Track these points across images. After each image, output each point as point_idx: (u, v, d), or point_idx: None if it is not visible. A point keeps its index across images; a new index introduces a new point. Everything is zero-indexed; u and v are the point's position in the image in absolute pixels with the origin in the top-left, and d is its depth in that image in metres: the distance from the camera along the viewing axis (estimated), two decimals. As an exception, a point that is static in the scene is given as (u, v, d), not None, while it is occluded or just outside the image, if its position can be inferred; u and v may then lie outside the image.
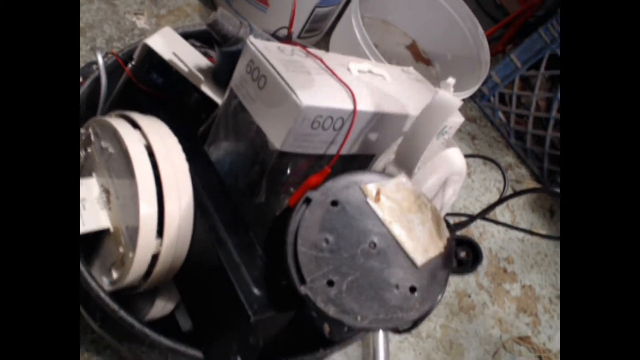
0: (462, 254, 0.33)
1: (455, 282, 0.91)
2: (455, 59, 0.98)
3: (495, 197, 1.03)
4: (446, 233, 0.33)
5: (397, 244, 0.32)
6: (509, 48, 1.04)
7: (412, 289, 0.31)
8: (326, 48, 0.95)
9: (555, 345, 0.95)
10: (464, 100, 0.86)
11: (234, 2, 0.84)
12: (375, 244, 0.32)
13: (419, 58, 1.02)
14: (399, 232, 0.32)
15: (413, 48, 1.02)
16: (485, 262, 0.95)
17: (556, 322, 0.98)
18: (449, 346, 0.86)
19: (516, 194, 0.39)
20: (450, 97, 0.35)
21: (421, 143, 0.35)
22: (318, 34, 0.91)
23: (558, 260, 1.03)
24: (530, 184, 1.05)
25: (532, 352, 0.93)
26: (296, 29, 0.84)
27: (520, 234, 1.01)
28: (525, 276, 0.98)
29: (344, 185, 0.34)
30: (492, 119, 1.05)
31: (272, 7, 0.81)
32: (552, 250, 1.04)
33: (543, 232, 1.03)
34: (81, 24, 0.87)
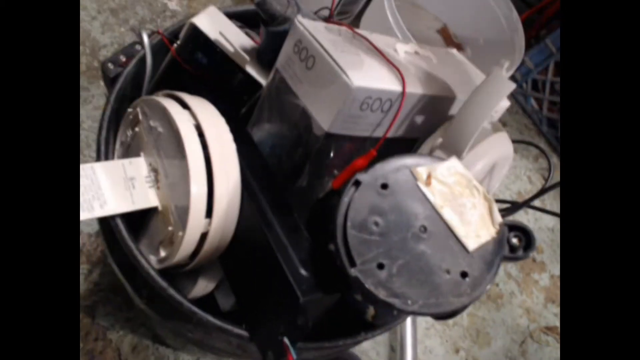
0: (514, 240, 0.32)
1: (483, 270, 0.91)
2: (487, 43, 0.96)
3: (525, 186, 1.01)
4: (498, 218, 0.32)
5: (449, 228, 0.32)
6: (543, 33, 1.01)
7: (464, 274, 0.31)
8: (356, 31, 0.94)
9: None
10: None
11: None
12: (425, 228, 0.32)
13: (450, 42, 1.00)
14: (450, 216, 0.32)
15: (444, 32, 1.00)
16: (514, 250, 0.95)
17: (584, 313, 0.97)
18: (476, 334, 0.86)
19: (556, 184, 0.39)
20: (505, 79, 0.34)
21: (472, 126, 0.34)
22: (348, 17, 0.90)
23: (588, 250, 1.02)
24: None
25: (559, 342, 0.92)
26: (325, 11, 0.83)
27: (550, 224, 0.99)
28: (554, 266, 0.97)
29: (394, 168, 0.33)
30: (524, 106, 1.03)
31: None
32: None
33: (574, 221, 1.02)
34: (114, 5, 0.88)
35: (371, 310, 0.38)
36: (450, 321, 0.86)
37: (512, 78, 1.01)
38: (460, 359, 0.83)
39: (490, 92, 0.34)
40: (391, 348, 0.79)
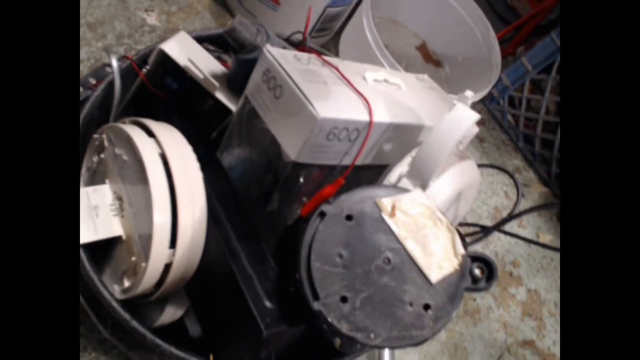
0: (476, 271, 0.32)
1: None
2: (465, 60, 0.98)
3: (502, 201, 1.02)
4: (461, 249, 0.32)
5: (412, 260, 0.32)
6: (520, 50, 1.03)
7: (426, 307, 0.31)
8: (336, 47, 0.95)
9: (559, 349, 0.95)
10: (472, 103, 0.86)
11: (245, 0, 0.83)
12: (389, 260, 0.32)
13: (429, 59, 1.01)
14: (413, 248, 0.32)
15: (423, 49, 1.02)
16: (491, 266, 0.95)
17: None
18: (454, 349, 0.86)
19: (529, 210, 0.39)
20: (469, 112, 0.35)
21: (438, 156, 0.35)
22: (328, 33, 0.90)
23: (564, 265, 1.03)
24: (538, 187, 1.05)
25: (536, 355, 0.93)
26: (301, 35, 0.84)
27: (528, 236, 1.00)
28: (531, 280, 0.98)
29: (359, 199, 0.33)
30: (501, 122, 1.05)
31: (282, 6, 0.80)
32: (558, 255, 1.03)
33: (549, 236, 1.03)
34: (92, 20, 0.87)
35: (338, 340, 0.38)
36: (428, 337, 0.86)
37: (489, 95, 1.02)
38: (437, 375, 0.83)
39: (454, 124, 0.34)
40: (369, 365, 0.79)
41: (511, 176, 0.45)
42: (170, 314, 0.42)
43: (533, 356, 0.93)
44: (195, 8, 0.92)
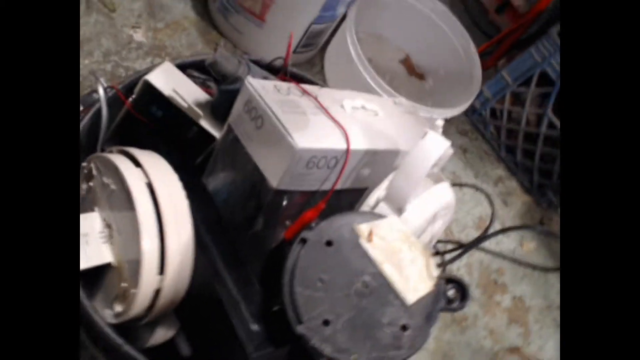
0: (450, 292, 0.34)
1: (447, 293, 0.93)
2: (448, 73, 1.00)
3: (486, 210, 1.04)
4: (435, 272, 0.34)
5: (389, 283, 0.33)
6: (501, 63, 1.06)
7: (404, 328, 0.33)
8: (321, 62, 0.97)
9: (545, 354, 0.97)
10: (453, 117, 0.88)
11: (231, 17, 0.85)
12: (367, 284, 0.34)
13: (412, 72, 1.04)
14: (390, 271, 0.34)
15: (407, 62, 1.04)
16: (476, 274, 0.97)
17: (546, 332, 1.00)
18: (442, 358, 0.88)
19: (503, 230, 0.41)
20: (439, 138, 0.37)
21: (411, 182, 0.36)
22: (313, 49, 0.92)
23: (548, 272, 1.06)
24: (521, 196, 1.07)
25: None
26: (282, 61, 0.86)
27: (512, 245, 1.03)
28: (515, 287, 1.00)
29: (338, 225, 0.35)
30: (484, 133, 1.07)
31: (268, 23, 0.82)
32: (541, 262, 1.06)
33: (533, 243, 1.05)
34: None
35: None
36: (416, 346, 0.88)
37: (471, 106, 1.05)
38: (426, 384, 0.84)
39: (425, 151, 0.36)
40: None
41: (487, 196, 0.47)
42: (161, 335, 0.43)
43: (520, 361, 0.95)
44: (181, 24, 0.93)
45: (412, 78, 1.03)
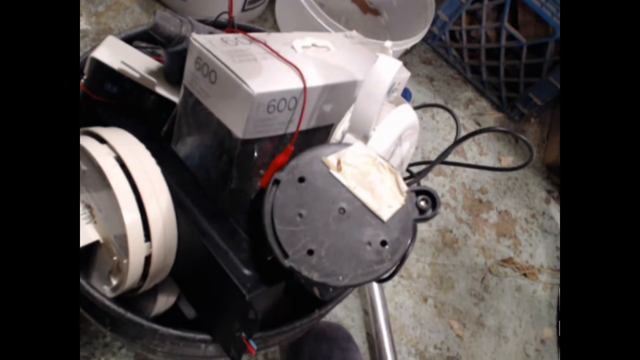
0: (422, 203, 0.36)
1: (436, 220, 0.97)
2: (401, 4, 0.99)
3: (461, 133, 1.07)
4: (404, 187, 0.36)
5: (363, 205, 0.35)
6: (452, -16, 1.05)
7: (383, 243, 0.35)
8: (272, 16, 0.95)
9: (536, 261, 1.03)
10: (415, 45, 0.88)
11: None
12: (344, 210, 0.35)
13: (367, 9, 1.03)
14: (363, 194, 0.35)
15: (359, 1, 1.02)
16: (460, 197, 1.00)
17: (534, 240, 1.05)
18: (440, 281, 0.92)
19: (468, 136, 0.43)
20: (390, 59, 0.37)
21: (371, 107, 0.37)
22: (262, 3, 0.90)
23: (528, 182, 1.09)
24: (492, 114, 1.09)
25: (517, 271, 1.00)
26: (238, 3, 0.84)
27: (490, 163, 1.06)
28: (500, 202, 1.04)
29: (307, 161, 0.36)
30: (447, 58, 1.08)
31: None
32: (521, 174, 1.09)
33: (510, 157, 1.08)
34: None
35: (316, 290, 0.41)
36: (415, 274, 0.92)
37: (430, 33, 1.04)
38: (429, 306, 0.89)
39: (380, 74, 0.37)
40: (364, 312, 0.84)
41: (446, 109, 0.48)
42: (163, 302, 0.45)
43: (514, 272, 1.00)
44: (123, 4, 0.90)
45: (367, 16, 1.01)
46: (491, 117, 1.09)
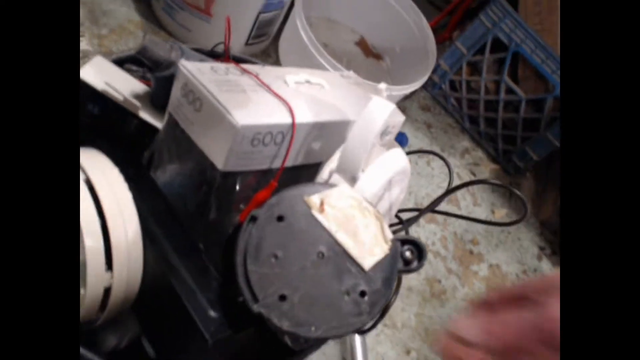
0: (407, 254, 0.34)
1: (425, 269, 0.94)
2: (403, 51, 1.00)
3: (455, 182, 1.05)
4: (390, 235, 0.34)
5: (344, 251, 0.33)
6: (455, 35, 1.06)
7: (362, 294, 0.32)
8: (276, 52, 0.95)
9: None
10: (414, 91, 0.88)
11: (177, 15, 0.83)
12: (323, 254, 0.33)
13: (369, 53, 1.04)
14: (344, 239, 0.33)
15: (362, 44, 1.04)
16: (451, 246, 0.98)
17: (525, 296, 1.01)
18: (425, 333, 0.88)
19: (459, 186, 0.41)
20: (383, 101, 0.36)
21: (361, 149, 0.36)
22: (266, 39, 0.91)
23: (521, 236, 1.07)
24: (488, 165, 1.09)
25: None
26: (242, 37, 0.84)
27: (483, 215, 1.04)
28: (491, 255, 1.01)
29: (288, 199, 0.34)
30: (445, 106, 1.08)
31: (214, 17, 0.80)
32: (514, 228, 1.07)
33: (504, 210, 1.07)
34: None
35: (287, 338, 0.38)
36: (399, 324, 0.88)
37: (430, 80, 1.05)
38: (411, 359, 0.85)
39: (372, 116, 0.35)
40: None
41: (440, 157, 0.47)
42: (123, 337, 0.42)
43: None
44: (126, 28, 0.91)
45: (369, 59, 1.02)
46: (487, 169, 1.08)
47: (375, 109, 0.35)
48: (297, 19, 0.83)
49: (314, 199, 0.34)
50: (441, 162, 1.03)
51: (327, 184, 0.35)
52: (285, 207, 0.34)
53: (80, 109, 0.41)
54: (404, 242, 0.34)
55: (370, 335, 0.84)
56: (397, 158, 0.40)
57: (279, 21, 0.91)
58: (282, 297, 0.32)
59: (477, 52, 0.96)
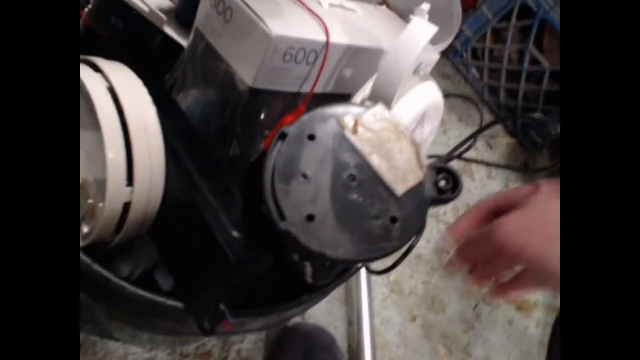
0: (442, 182, 0.32)
1: (435, 239, 0.92)
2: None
3: (470, 152, 1.03)
4: (425, 161, 0.32)
5: (377, 174, 0.31)
6: (480, 1, 1.03)
7: (393, 219, 0.31)
8: None
9: (532, 295, 0.98)
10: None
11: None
12: (354, 177, 0.31)
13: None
14: (378, 162, 0.31)
15: (384, 3, 1.00)
16: (463, 216, 0.97)
17: (533, 272, 1.00)
18: (431, 302, 0.87)
19: (488, 125, 0.39)
20: (426, 25, 0.34)
21: (397, 74, 0.34)
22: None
23: (533, 212, 1.06)
24: (505, 138, 1.06)
25: (511, 303, 0.96)
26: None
27: (498, 188, 1.02)
28: (502, 229, 1.00)
29: (320, 118, 0.32)
30: (466, 75, 1.05)
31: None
32: (527, 203, 1.05)
33: (518, 185, 1.05)
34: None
35: (309, 269, 0.37)
36: (406, 290, 0.87)
37: (452, 47, 1.02)
38: (416, 326, 0.84)
39: (413, 36, 0.33)
40: (349, 322, 0.79)
41: (472, 101, 0.45)
42: (137, 264, 0.41)
43: (507, 303, 0.95)
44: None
45: (390, 21, 0.99)
46: (503, 141, 1.06)
47: (417, 29, 0.33)
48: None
49: (348, 119, 0.32)
50: (457, 132, 1.01)
51: (361, 105, 0.33)
52: (317, 125, 0.32)
53: (104, 23, 0.39)
54: (440, 170, 0.32)
55: (377, 300, 0.83)
56: (431, 90, 0.38)
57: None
58: (310, 217, 0.30)
59: (503, 19, 0.93)
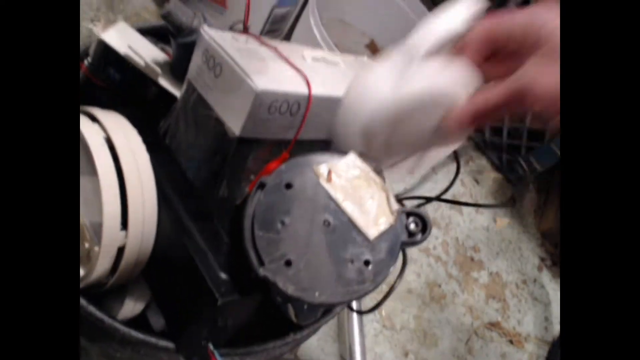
0: (412, 226, 0.34)
1: (425, 273, 0.94)
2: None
3: (458, 189, 1.06)
4: (395, 206, 0.34)
5: (350, 220, 0.33)
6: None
7: (366, 263, 0.33)
8: (289, 49, 0.97)
9: (524, 329, 0.99)
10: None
11: (190, 4, 0.84)
12: (329, 223, 0.33)
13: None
14: (351, 208, 0.33)
15: (372, 47, 1.05)
16: (452, 251, 0.98)
17: (524, 306, 1.01)
18: (423, 336, 0.88)
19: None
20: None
21: (352, 124, 0.35)
22: (279, 34, 0.92)
23: (522, 246, 1.07)
24: (491, 173, 1.09)
25: (503, 337, 0.96)
26: (256, 30, 0.86)
27: (485, 223, 1.04)
28: (492, 263, 1.01)
29: (296, 167, 0.35)
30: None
31: (229, 9, 0.82)
32: (515, 237, 1.07)
33: (506, 219, 1.07)
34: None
35: (292, 310, 0.39)
36: (398, 325, 0.88)
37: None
38: (408, 361, 0.84)
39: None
40: (341, 359, 0.80)
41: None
42: (131, 305, 0.42)
43: (500, 337, 0.96)
44: (142, 16, 0.92)
45: (379, 62, 1.04)
46: (490, 177, 1.09)
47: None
48: (311, 17, 0.84)
49: (322, 169, 0.35)
50: (445, 169, 1.03)
51: (335, 154, 0.36)
52: (294, 175, 0.34)
53: (102, 74, 0.42)
54: (409, 214, 0.34)
55: (369, 335, 0.84)
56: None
57: (291, 18, 0.92)
58: (288, 263, 0.32)
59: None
